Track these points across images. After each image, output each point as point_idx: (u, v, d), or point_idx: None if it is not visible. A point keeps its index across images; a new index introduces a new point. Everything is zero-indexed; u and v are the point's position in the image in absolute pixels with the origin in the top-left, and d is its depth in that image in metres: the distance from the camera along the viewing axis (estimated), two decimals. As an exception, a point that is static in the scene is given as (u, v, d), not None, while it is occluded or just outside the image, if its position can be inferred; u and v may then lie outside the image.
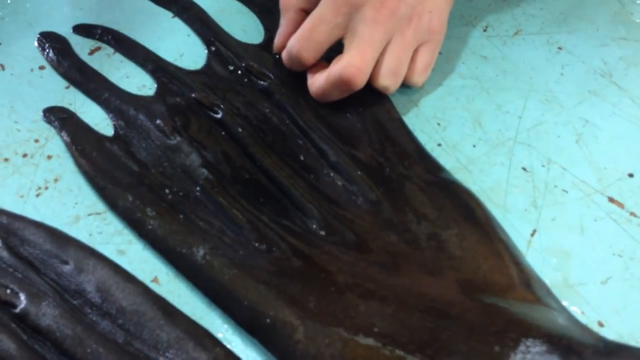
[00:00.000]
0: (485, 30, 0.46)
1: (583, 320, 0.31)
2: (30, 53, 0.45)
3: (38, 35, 0.46)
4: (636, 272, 0.33)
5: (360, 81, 0.38)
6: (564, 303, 0.32)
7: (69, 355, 0.31)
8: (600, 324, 0.31)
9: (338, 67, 0.38)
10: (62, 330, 0.31)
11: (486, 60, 0.44)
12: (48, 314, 0.32)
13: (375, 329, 0.29)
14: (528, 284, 0.30)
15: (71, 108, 0.42)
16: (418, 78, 0.41)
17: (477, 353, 0.26)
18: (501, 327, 0.27)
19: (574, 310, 0.32)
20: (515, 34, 0.46)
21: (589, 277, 0.33)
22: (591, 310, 0.32)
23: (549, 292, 0.31)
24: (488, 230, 0.33)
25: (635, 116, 0.40)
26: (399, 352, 0.28)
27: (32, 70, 0.44)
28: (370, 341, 0.28)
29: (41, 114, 0.41)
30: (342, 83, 0.38)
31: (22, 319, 0.32)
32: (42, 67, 0.44)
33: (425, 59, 0.41)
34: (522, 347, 0.26)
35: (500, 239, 0.32)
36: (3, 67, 0.44)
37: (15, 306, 0.32)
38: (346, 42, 0.39)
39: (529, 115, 0.40)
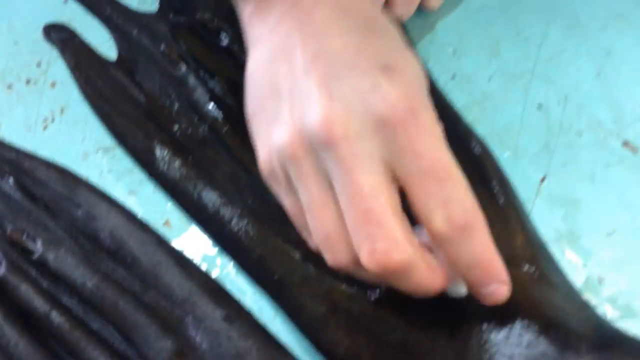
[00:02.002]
0: None
1: (584, 273, 0.33)
2: (24, -41, 0.43)
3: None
4: (642, 224, 0.34)
5: None
6: (568, 255, 0.33)
7: (89, 304, 0.32)
8: (600, 279, 0.32)
9: None
10: (81, 279, 0.33)
11: (509, -25, 0.41)
12: (66, 262, 0.33)
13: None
14: (532, 256, 0.31)
15: (71, 25, 0.40)
16: (434, 2, 0.39)
17: (475, 338, 0.27)
18: (501, 311, 0.28)
19: (576, 262, 0.33)
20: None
21: (595, 228, 0.34)
22: (593, 264, 0.33)
23: (551, 261, 0.31)
24: (496, 191, 0.33)
25: (662, 46, 0.38)
26: (398, 322, 0.29)
27: (27, -21, 0.42)
28: (374, 309, 0.30)
29: (41, 32, 0.40)
30: None
31: (41, 265, 0.33)
32: (37, -24, 0.42)
33: (442, -20, 0.38)
34: (519, 337, 0.27)
35: (508, 201, 0.32)
36: (-3, -24, 0.42)
37: (33, 252, 0.33)
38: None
39: (549, 43, 0.39)
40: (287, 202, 0.29)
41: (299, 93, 0.26)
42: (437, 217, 0.24)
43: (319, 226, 0.26)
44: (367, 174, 0.24)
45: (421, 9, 0.40)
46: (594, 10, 0.40)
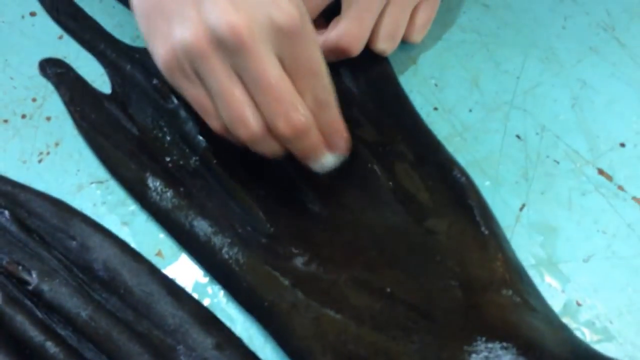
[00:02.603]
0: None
1: (563, 298, 0.33)
2: (19, -4, 0.43)
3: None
4: (617, 251, 0.35)
5: (357, 49, 0.37)
6: (547, 280, 0.34)
7: (83, 333, 0.33)
8: (578, 303, 0.33)
9: (335, 34, 0.37)
10: (75, 309, 0.33)
11: (487, 10, 0.42)
12: (60, 293, 0.33)
13: (364, 319, 0.31)
14: (511, 280, 0.31)
15: (66, 60, 0.41)
16: (417, 36, 0.40)
17: (455, 358, 0.28)
18: (479, 333, 0.29)
19: (555, 287, 0.34)
20: (519, -23, 0.44)
21: (572, 255, 0.35)
22: (571, 289, 0.34)
23: (530, 285, 0.32)
24: (477, 218, 0.34)
25: (634, 78, 0.40)
26: (382, 342, 0.30)
27: (23, 17, 0.43)
28: (358, 331, 0.30)
29: (36, 67, 0.41)
30: (338, 51, 0.37)
31: (36, 295, 0.34)
32: (33, 14, 0.43)
33: (424, 15, 0.40)
34: (498, 358, 0.28)
35: (488, 227, 0.33)
36: (-7, 14, 0.43)
37: (28, 283, 0.34)
38: (344, 4, 0.37)
39: (527, 76, 0.40)
40: (192, 92, 0.34)
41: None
42: (307, 98, 0.33)
43: (232, 107, 0.32)
44: (272, 69, 0.31)
45: (404, 42, 0.41)
46: (569, 44, 0.41)
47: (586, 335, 0.32)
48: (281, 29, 0.31)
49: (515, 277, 0.32)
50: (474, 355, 0.28)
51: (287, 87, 0.32)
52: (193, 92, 0.34)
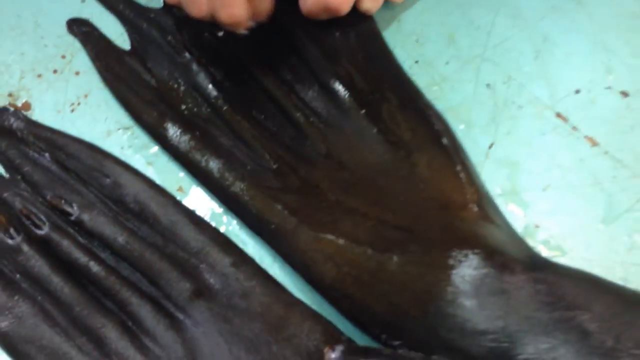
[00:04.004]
0: None
1: (524, 221, 0.38)
2: (44, -37, 0.47)
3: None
4: (571, 181, 0.39)
5: (346, 8, 0.41)
6: (510, 207, 0.39)
7: (119, 255, 0.38)
8: (536, 225, 0.38)
9: None
10: (112, 235, 0.38)
11: (463, -28, 0.46)
12: (99, 222, 0.38)
13: (357, 237, 0.36)
14: (480, 203, 0.36)
15: (90, 21, 0.45)
16: (399, -5, 0.44)
17: (434, 264, 0.33)
18: (455, 243, 0.34)
19: (517, 213, 0.39)
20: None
21: (532, 185, 0.39)
22: (531, 213, 0.39)
23: (495, 208, 0.37)
24: (452, 153, 0.38)
25: (589, 33, 0.44)
26: (374, 254, 0.35)
27: (49, -19, 0.47)
28: (354, 246, 0.35)
29: (64, 27, 0.45)
30: (329, 9, 0.41)
31: (77, 224, 0.38)
32: (57, -22, 0.47)
33: (406, -23, 0.44)
34: (468, 262, 0.33)
35: (461, 161, 0.38)
36: (21, -21, 0.47)
37: (70, 214, 0.39)
38: (333, -33, 0.41)
39: (496, 32, 0.44)
40: None
41: None
42: None
43: None
44: None
45: (388, 2, 0.44)
46: (534, 3, 0.45)
47: (543, 252, 0.37)
48: None
49: (483, 200, 0.37)
50: (450, 260, 0.33)
51: None
52: None
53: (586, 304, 0.30)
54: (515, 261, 0.33)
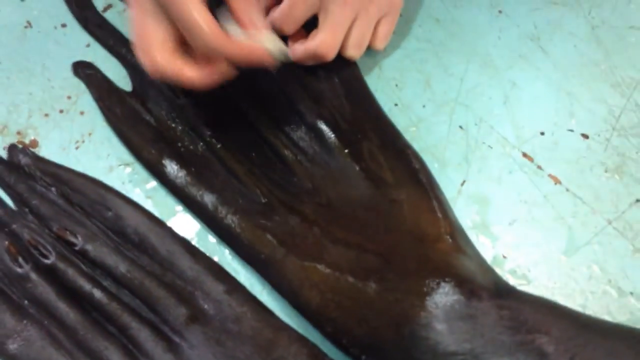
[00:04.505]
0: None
1: (492, 252, 0.42)
2: (52, 10, 0.50)
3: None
4: (536, 216, 0.43)
5: (332, 55, 0.45)
6: (481, 239, 0.42)
7: (120, 283, 0.40)
8: (504, 256, 0.42)
9: (314, 43, 0.44)
10: (114, 264, 0.40)
11: (438, 23, 0.50)
12: (102, 252, 0.41)
13: (340, 266, 0.39)
14: (453, 235, 0.39)
15: (94, 64, 0.48)
16: (380, 44, 0.48)
17: (410, 291, 0.36)
18: (429, 272, 0.37)
19: (487, 244, 0.42)
20: (465, -6, 0.52)
21: (501, 219, 0.43)
22: (499, 245, 0.42)
23: (467, 239, 0.41)
24: (428, 189, 0.42)
25: (553, 80, 0.48)
26: (355, 282, 0.38)
27: (55, 27, 0.50)
28: (337, 274, 0.38)
29: (70, 70, 0.48)
30: (317, 56, 0.45)
31: (82, 254, 0.41)
32: (64, 25, 0.50)
33: (386, 28, 0.47)
34: (440, 290, 0.36)
35: (436, 197, 0.41)
36: (30, 24, 0.50)
37: (75, 245, 0.41)
38: (320, 19, 0.45)
39: (469, 78, 0.48)
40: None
41: None
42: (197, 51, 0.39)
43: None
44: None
45: (370, 50, 0.48)
46: (503, 52, 0.49)
47: (510, 280, 0.41)
48: None
49: (456, 233, 0.40)
50: (424, 287, 0.36)
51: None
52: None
53: (545, 328, 0.34)
54: (482, 289, 0.36)
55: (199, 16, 0.37)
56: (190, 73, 0.40)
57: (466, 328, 0.34)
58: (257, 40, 0.40)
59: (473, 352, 0.34)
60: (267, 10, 0.46)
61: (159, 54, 0.39)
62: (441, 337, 0.35)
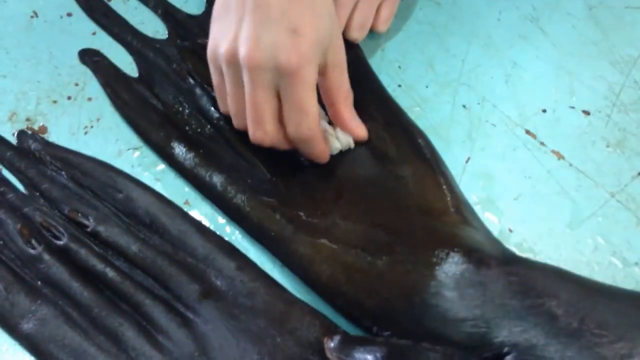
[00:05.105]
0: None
1: (499, 226, 0.42)
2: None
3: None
4: (540, 190, 0.44)
5: None
6: (486, 214, 0.43)
7: (132, 263, 0.41)
8: (510, 230, 0.42)
9: None
10: (126, 245, 0.41)
11: (439, 6, 0.51)
12: (113, 233, 0.41)
13: (349, 241, 0.39)
14: (459, 208, 0.40)
15: (101, 51, 0.49)
16: (382, 27, 0.49)
17: (419, 262, 0.37)
18: (437, 243, 0.38)
19: (492, 219, 0.43)
20: (465, -23, 0.53)
21: (506, 195, 0.43)
22: (505, 220, 0.43)
23: (473, 213, 0.41)
24: (433, 165, 0.42)
25: (553, 59, 0.49)
26: (365, 255, 0.38)
27: (61, 17, 0.50)
28: (346, 249, 0.39)
29: (76, 57, 0.49)
30: None
31: (94, 235, 0.42)
32: (69, 14, 0.51)
33: (387, 10, 0.48)
34: (449, 259, 0.37)
35: (441, 172, 0.42)
36: (36, 14, 0.50)
37: (87, 226, 0.42)
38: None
39: (470, 59, 0.49)
40: (220, 84, 0.42)
41: (242, 27, 0.38)
42: (290, 127, 0.40)
43: (256, 111, 0.40)
44: (262, 91, 0.39)
45: (373, 33, 0.49)
46: (503, 32, 0.50)
47: (516, 253, 0.41)
48: (280, 68, 0.38)
49: (462, 206, 0.41)
50: (433, 258, 0.37)
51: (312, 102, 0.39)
52: (219, 83, 0.42)
53: (554, 292, 0.34)
54: (490, 257, 0.37)
55: (313, 104, 0.39)
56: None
57: (476, 295, 0.35)
58: (334, 135, 0.43)
59: (484, 317, 0.34)
60: None
61: (269, 126, 0.40)
62: (451, 304, 0.35)
